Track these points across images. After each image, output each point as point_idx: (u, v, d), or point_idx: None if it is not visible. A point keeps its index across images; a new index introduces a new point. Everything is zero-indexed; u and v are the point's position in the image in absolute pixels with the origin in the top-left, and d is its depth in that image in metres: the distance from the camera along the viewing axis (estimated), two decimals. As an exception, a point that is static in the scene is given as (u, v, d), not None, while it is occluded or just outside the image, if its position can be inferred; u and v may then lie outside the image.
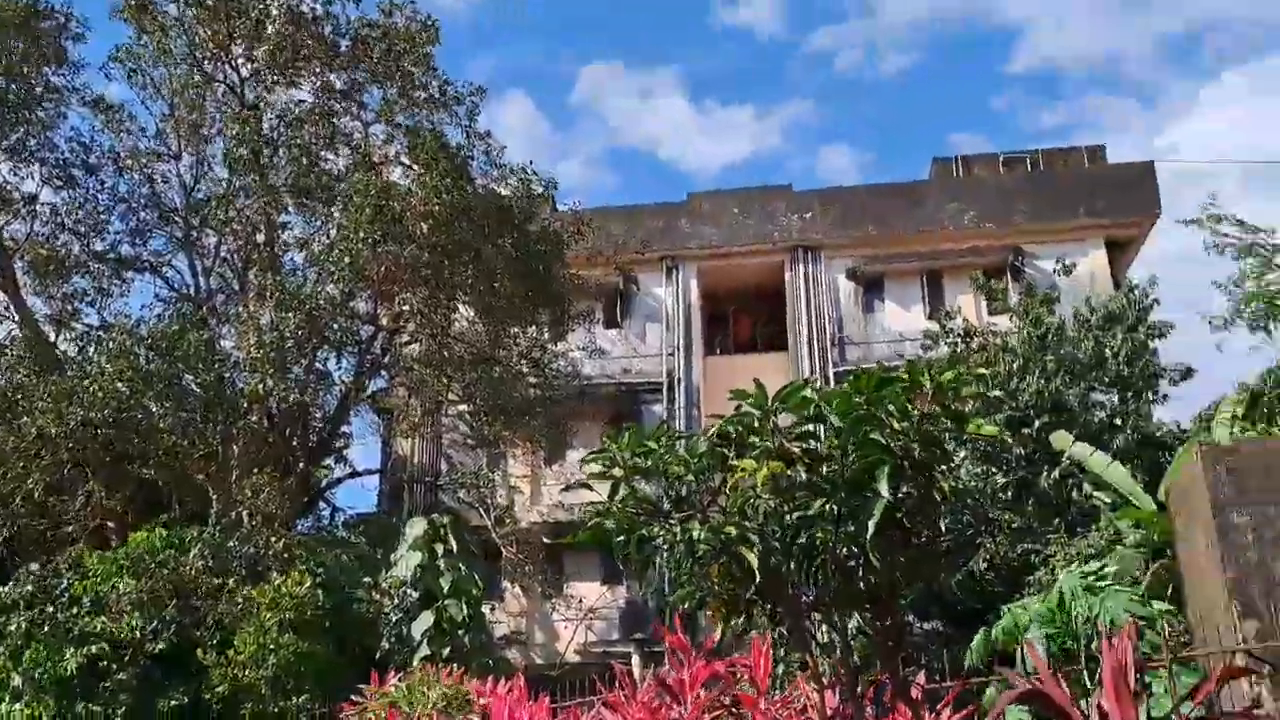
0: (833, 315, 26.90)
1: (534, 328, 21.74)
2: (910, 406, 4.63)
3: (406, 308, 20.33)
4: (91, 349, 18.58)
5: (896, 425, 4.61)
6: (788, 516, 4.95)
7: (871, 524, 4.49)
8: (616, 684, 5.91)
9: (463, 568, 15.40)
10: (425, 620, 14.54)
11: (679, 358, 27.04)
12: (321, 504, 22.63)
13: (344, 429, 21.80)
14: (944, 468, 4.96)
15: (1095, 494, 13.23)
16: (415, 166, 19.45)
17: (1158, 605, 8.83)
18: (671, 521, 5.00)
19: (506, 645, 22.55)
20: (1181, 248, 56.01)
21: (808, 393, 4.82)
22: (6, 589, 14.38)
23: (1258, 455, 6.24)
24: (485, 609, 17.77)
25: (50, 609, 13.84)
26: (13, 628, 13.63)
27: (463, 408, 22.78)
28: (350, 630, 14.86)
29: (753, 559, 4.67)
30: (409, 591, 15.15)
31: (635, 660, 21.04)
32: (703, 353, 27.54)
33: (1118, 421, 15.70)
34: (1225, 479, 6.06)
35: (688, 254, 27.93)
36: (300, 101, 20.67)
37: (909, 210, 27.38)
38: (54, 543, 17.34)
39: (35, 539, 17.45)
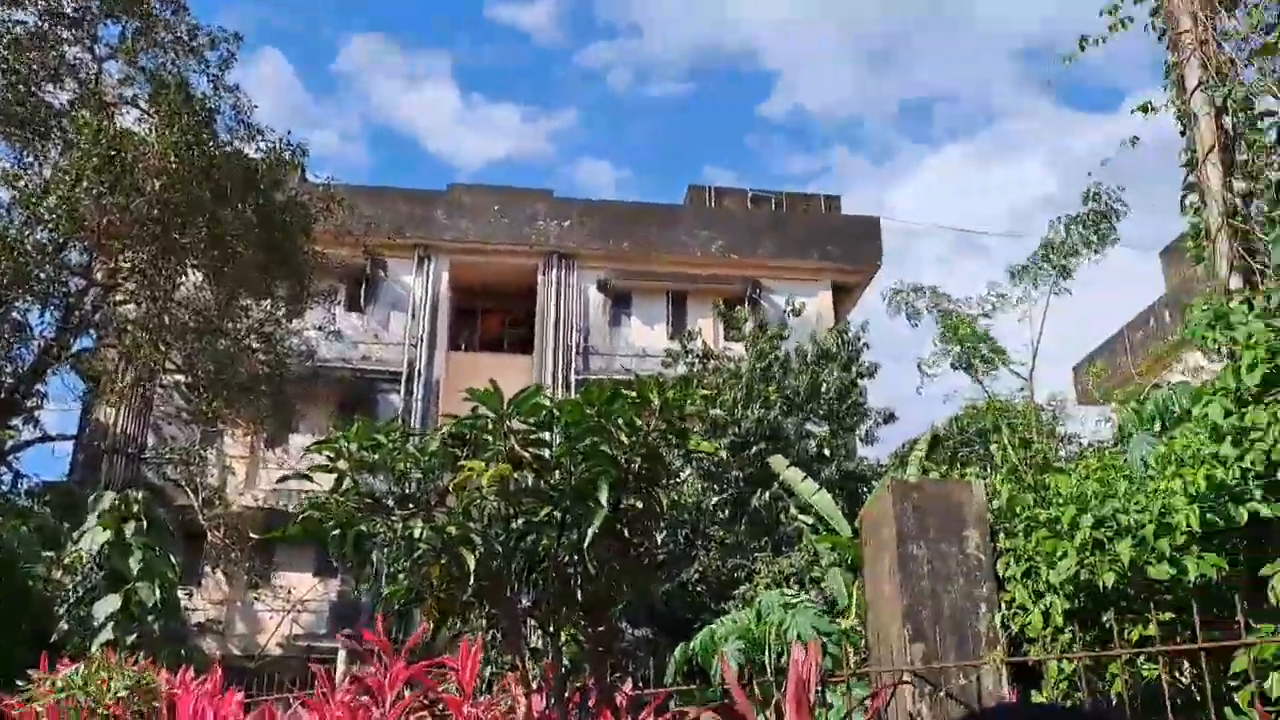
0: (581, 324, 27.33)
1: (269, 301, 20.57)
2: (638, 421, 4.80)
3: (127, 265, 18.70)
4: None
5: (624, 438, 4.76)
6: (514, 521, 4.99)
7: (590, 533, 4.61)
8: (315, 682, 5.71)
9: (157, 548, 14.36)
10: (111, 603, 13.44)
11: (422, 350, 26.55)
12: (3, 468, 20.38)
13: (39, 388, 19.74)
14: (666, 482, 5.18)
15: (800, 517, 14.16)
16: (154, 114, 17.94)
17: (844, 624, 9.56)
18: (394, 518, 4.91)
19: (202, 634, 21.22)
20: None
21: (542, 399, 4.88)
22: None
23: (938, 495, 6.88)
24: (182, 594, 16.67)
25: None
26: None
27: (179, 378, 21.25)
28: (23, 609, 13.49)
29: (471, 561, 4.67)
30: (94, 570, 13.95)
31: (342, 656, 20.35)
32: (447, 347, 27.17)
33: (827, 453, 16.97)
34: (910, 514, 6.65)
35: (442, 245, 27.50)
36: (20, 22, 18.57)
37: (662, 231, 28.32)
38: None
39: None
